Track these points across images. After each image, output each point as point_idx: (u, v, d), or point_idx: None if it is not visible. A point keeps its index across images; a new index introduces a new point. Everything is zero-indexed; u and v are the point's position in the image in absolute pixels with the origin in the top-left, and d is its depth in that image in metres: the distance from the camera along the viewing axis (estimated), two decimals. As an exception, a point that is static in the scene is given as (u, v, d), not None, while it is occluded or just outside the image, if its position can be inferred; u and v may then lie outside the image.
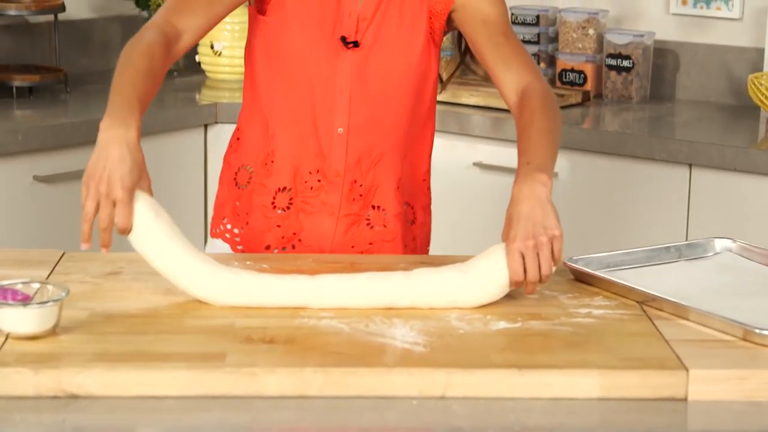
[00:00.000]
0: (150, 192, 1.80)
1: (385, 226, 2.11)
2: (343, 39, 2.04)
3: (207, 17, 2.01)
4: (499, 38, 2.08)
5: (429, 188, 2.20)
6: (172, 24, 1.98)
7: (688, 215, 2.98)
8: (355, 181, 2.09)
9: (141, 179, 1.79)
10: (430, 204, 2.22)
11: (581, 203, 3.10)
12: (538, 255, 1.75)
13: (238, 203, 2.15)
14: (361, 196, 2.10)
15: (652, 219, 3.02)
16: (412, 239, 2.16)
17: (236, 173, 2.16)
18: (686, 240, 2.96)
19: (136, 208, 1.77)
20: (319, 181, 2.08)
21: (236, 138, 2.17)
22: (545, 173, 1.83)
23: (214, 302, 1.76)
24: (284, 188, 2.10)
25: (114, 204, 1.74)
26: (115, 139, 1.77)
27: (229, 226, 2.15)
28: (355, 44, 2.05)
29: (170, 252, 1.77)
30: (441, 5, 2.08)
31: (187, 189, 3.35)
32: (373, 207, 2.11)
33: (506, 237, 1.79)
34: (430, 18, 2.09)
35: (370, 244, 2.11)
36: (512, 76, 2.05)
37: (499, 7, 2.09)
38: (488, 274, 1.77)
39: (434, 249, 2.28)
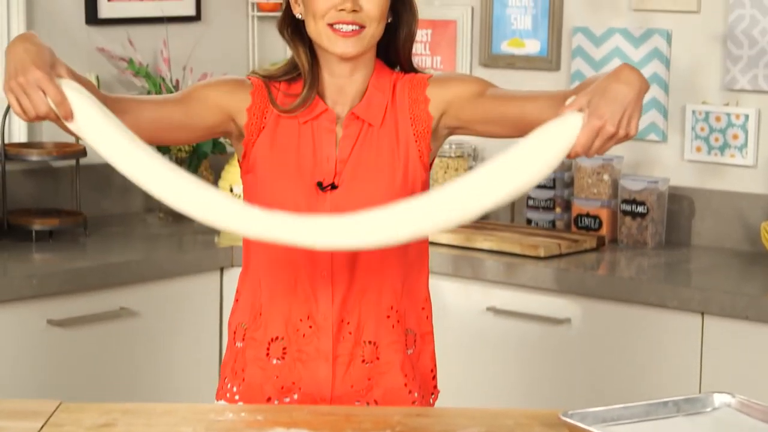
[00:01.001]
0: (70, 76, 1.83)
1: (378, 359, 2.10)
2: (320, 184, 2.06)
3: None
4: (505, 93, 2.06)
5: (429, 317, 2.18)
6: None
7: (701, 364, 2.95)
8: (343, 320, 2.09)
9: (56, 63, 1.83)
10: (431, 332, 2.19)
11: (592, 350, 3.08)
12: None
13: (235, 362, 2.15)
14: (350, 333, 2.09)
15: (664, 368, 2.99)
16: (411, 367, 2.14)
17: (235, 333, 2.17)
18: (699, 390, 2.95)
19: (67, 93, 1.81)
20: (310, 327, 2.09)
21: (236, 300, 2.19)
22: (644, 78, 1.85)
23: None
24: (277, 338, 2.11)
25: (40, 90, 1.78)
26: (14, 44, 1.83)
27: (229, 386, 2.15)
28: (333, 186, 2.06)
29: (123, 146, 1.83)
30: (422, 125, 2.09)
31: (202, 335, 3.36)
32: (365, 342, 2.10)
33: (587, 100, 1.81)
34: (417, 142, 2.09)
35: (369, 379, 2.10)
36: (547, 99, 1.97)
37: (478, 79, 2.10)
38: (553, 136, 1.82)
39: (444, 394, 2.26)
